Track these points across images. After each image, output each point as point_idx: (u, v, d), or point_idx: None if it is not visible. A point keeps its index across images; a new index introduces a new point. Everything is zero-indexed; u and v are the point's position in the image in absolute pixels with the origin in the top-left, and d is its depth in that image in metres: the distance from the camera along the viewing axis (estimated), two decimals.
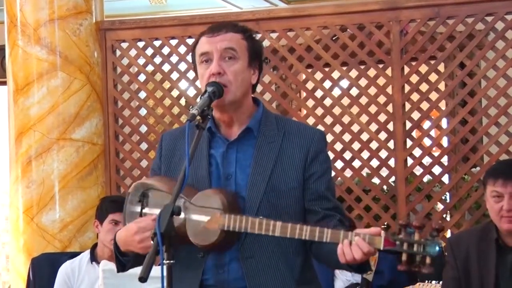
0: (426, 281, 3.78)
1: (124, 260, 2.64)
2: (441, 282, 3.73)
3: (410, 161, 5.08)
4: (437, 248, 2.21)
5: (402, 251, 2.28)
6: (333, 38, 5.20)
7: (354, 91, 5.15)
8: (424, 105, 5.04)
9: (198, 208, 2.53)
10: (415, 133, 5.21)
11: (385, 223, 5.16)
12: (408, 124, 5.05)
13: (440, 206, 5.26)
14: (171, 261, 2.34)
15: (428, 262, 2.23)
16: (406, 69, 5.06)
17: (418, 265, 2.25)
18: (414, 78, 5.05)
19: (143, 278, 2.30)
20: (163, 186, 2.64)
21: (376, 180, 5.23)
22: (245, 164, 2.65)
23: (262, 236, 2.55)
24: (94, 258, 4.54)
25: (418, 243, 2.27)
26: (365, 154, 5.13)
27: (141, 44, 5.47)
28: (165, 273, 2.34)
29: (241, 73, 2.64)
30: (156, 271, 2.35)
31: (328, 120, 5.17)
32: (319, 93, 5.22)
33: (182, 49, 5.38)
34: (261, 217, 2.48)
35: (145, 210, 2.64)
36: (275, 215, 2.52)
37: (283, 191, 2.61)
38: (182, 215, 2.49)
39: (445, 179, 5.20)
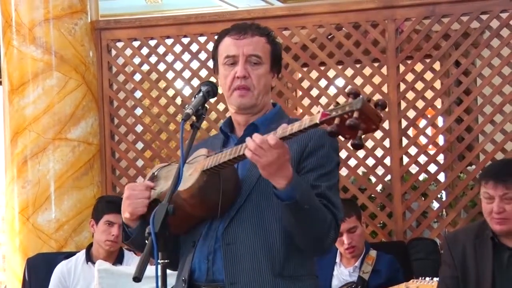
0: (420, 278, 3.76)
1: (128, 231, 2.67)
2: (434, 279, 3.72)
3: (405, 159, 5.08)
4: (361, 101, 2.25)
5: (335, 115, 2.30)
6: (329, 37, 5.20)
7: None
8: (420, 104, 5.04)
9: (188, 164, 2.56)
10: (410, 132, 5.21)
11: (381, 221, 5.18)
12: (404, 123, 5.05)
13: (436, 204, 5.27)
14: (166, 261, 2.35)
15: (355, 116, 2.25)
16: (402, 68, 5.06)
17: (346, 118, 2.28)
18: (410, 77, 5.05)
19: (137, 278, 2.30)
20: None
21: (372, 179, 5.23)
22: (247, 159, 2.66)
23: (247, 222, 2.56)
24: (89, 258, 4.54)
25: (348, 103, 2.29)
26: (361, 153, 5.13)
27: (136, 43, 5.46)
28: (159, 273, 2.34)
29: (264, 77, 2.69)
30: (151, 271, 2.34)
31: None
32: (314, 92, 5.22)
33: (178, 48, 5.37)
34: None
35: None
36: (265, 202, 2.56)
37: None
38: None
39: (441, 177, 5.20)
